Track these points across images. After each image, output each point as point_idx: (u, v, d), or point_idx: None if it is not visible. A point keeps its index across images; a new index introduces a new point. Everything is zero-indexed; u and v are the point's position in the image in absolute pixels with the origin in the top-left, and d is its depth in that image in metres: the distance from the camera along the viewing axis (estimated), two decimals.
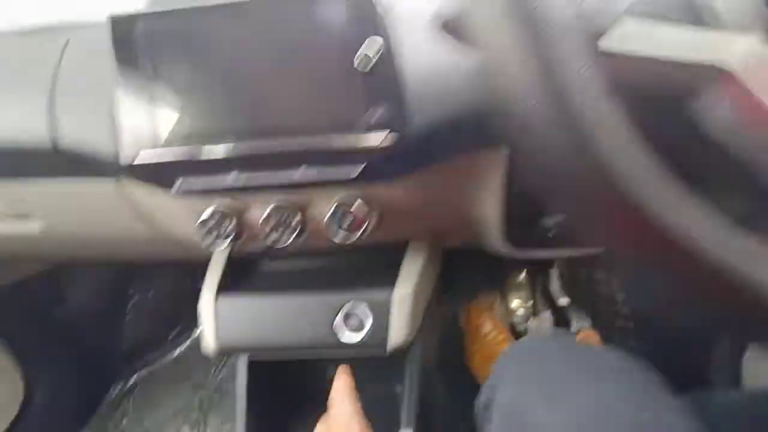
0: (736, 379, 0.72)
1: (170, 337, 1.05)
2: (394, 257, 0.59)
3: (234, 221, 0.45)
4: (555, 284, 0.94)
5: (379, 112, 0.39)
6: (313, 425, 0.48)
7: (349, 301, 0.52)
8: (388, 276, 0.55)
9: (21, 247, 0.65)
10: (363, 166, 0.41)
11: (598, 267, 0.92)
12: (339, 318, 0.52)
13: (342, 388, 0.46)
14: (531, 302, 0.99)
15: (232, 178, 0.41)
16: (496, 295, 0.98)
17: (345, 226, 0.45)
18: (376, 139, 0.39)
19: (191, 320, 1.08)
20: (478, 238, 0.64)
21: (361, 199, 0.45)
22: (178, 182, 0.41)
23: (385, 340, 0.51)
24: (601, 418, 0.30)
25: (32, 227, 0.57)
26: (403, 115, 0.39)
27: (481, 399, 0.40)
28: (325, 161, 0.41)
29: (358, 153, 0.40)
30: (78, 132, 0.43)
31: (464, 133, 0.41)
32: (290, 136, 0.40)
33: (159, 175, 0.41)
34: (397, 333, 0.51)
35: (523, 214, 0.52)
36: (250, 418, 0.61)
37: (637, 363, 0.34)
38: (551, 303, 0.97)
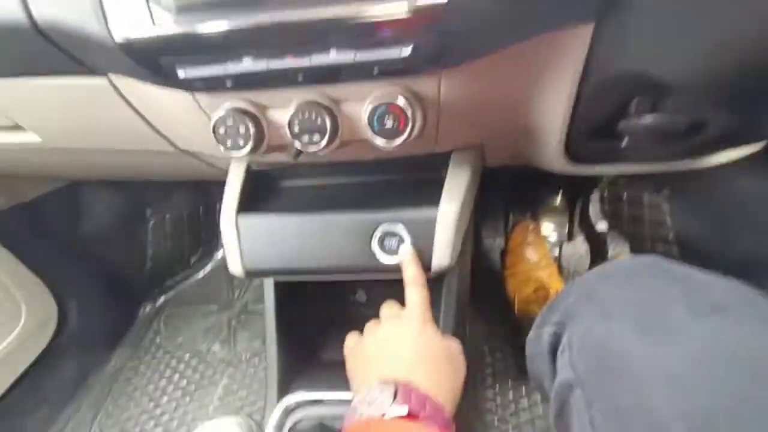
0: None
1: (193, 260, 1.05)
2: (433, 174, 0.52)
3: (253, 122, 0.38)
4: (595, 207, 0.88)
5: None
6: (341, 342, 0.46)
7: (386, 221, 0.47)
8: (428, 194, 0.48)
9: (25, 159, 0.60)
10: (411, 47, 0.32)
11: (645, 188, 0.84)
12: (376, 238, 0.47)
13: (413, 279, 0.44)
14: (566, 228, 0.93)
15: (245, 65, 0.32)
16: (529, 220, 0.93)
17: (385, 128, 0.37)
18: (427, 6, 0.30)
19: (212, 242, 1.07)
20: (527, 153, 0.56)
21: (405, 94, 0.36)
22: (180, 70, 0.33)
23: (428, 260, 0.46)
24: (722, 360, 0.24)
25: (32, 137, 0.51)
26: None
27: (551, 322, 0.36)
28: (361, 40, 0.32)
29: (404, 28, 0.31)
30: (55, 7, 0.34)
31: (542, 1, 0.31)
32: (314, 4, 0.30)
33: (156, 59, 0.33)
34: (442, 254, 0.46)
35: (593, 118, 0.43)
36: (280, 335, 0.61)
37: (758, 294, 0.28)
38: (586, 228, 0.91)
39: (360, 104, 0.38)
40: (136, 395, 0.85)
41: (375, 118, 0.36)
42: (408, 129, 0.37)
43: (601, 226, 0.87)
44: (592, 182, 0.85)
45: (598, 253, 0.88)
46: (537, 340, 0.37)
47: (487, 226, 0.96)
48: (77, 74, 0.41)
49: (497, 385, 0.76)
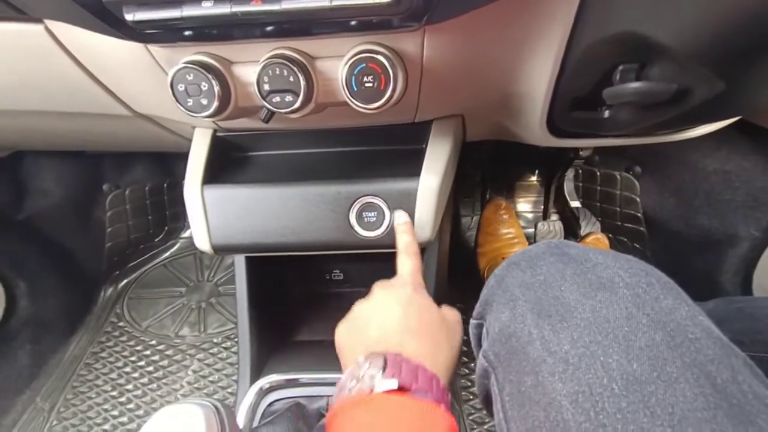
0: (745, 286, 0.71)
1: (157, 239, 0.99)
2: (413, 146, 0.49)
3: (218, 79, 0.34)
4: (570, 186, 0.89)
5: None
6: (318, 322, 0.44)
7: (365, 194, 0.44)
8: (408, 166, 0.46)
9: None
10: None
11: (618, 167, 0.85)
12: (354, 211, 0.44)
13: (407, 247, 0.41)
14: (541, 206, 0.94)
15: (204, 8, 0.28)
16: (503, 197, 0.93)
17: (364, 88, 0.34)
18: None
19: (179, 220, 1.01)
20: (509, 126, 0.55)
21: (386, 52, 0.34)
22: (128, 12, 0.28)
23: None
24: (602, 338, 0.25)
25: None
26: None
27: (474, 315, 0.36)
28: None
29: None
30: None
31: None
32: None
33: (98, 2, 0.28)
34: (422, 227, 0.44)
35: (578, 86, 0.42)
36: (252, 315, 0.58)
37: (647, 268, 0.29)
38: (561, 206, 0.93)
39: (337, 62, 0.35)
40: (98, 383, 0.80)
41: (353, 76, 0.34)
42: (389, 90, 0.34)
43: (575, 203, 0.88)
44: (567, 162, 0.86)
45: (571, 231, 0.90)
46: (470, 332, 0.37)
47: (465, 204, 0.95)
48: (6, 19, 0.35)
49: (472, 363, 0.77)
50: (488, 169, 0.96)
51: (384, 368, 0.29)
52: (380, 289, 0.38)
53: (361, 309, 0.38)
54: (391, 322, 0.34)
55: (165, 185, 0.97)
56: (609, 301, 0.26)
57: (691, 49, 0.29)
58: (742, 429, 0.20)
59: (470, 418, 0.71)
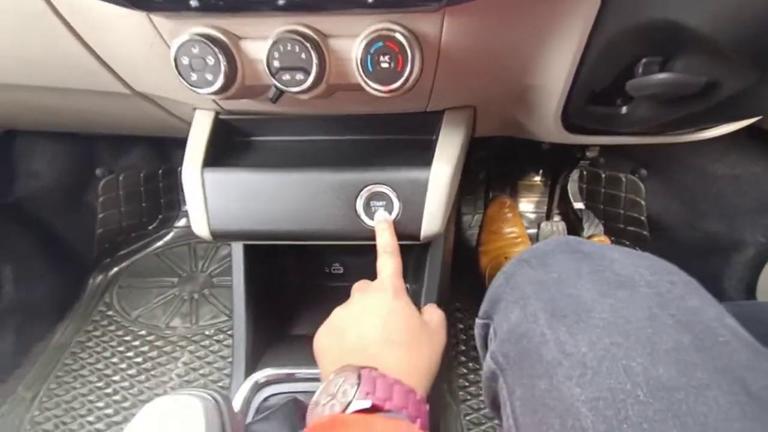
0: (749, 292, 0.70)
1: (151, 227, 0.96)
2: (422, 137, 0.48)
3: (224, 53, 0.32)
4: (574, 187, 0.88)
5: None
6: (316, 316, 0.42)
7: (373, 182, 0.42)
8: (418, 155, 0.45)
9: None
10: None
11: (623, 169, 0.84)
12: (361, 200, 0.42)
13: (387, 247, 0.40)
14: (545, 206, 0.93)
15: None
16: (506, 197, 0.92)
17: (380, 69, 0.32)
18: None
19: (174, 208, 0.99)
20: (521, 120, 0.53)
21: (404, 32, 0.32)
22: None
23: (418, 226, 0.42)
24: (622, 340, 0.23)
25: None
26: None
27: (480, 315, 0.34)
28: None
29: None
30: None
31: None
32: None
33: None
34: (433, 219, 0.42)
35: (597, 79, 0.41)
36: (249, 306, 0.56)
37: (667, 266, 0.27)
38: (564, 206, 0.92)
39: (351, 41, 0.33)
40: (83, 373, 0.77)
41: (369, 56, 0.32)
42: (407, 71, 0.32)
43: (579, 205, 0.88)
44: (572, 162, 0.85)
45: (574, 232, 0.89)
46: (475, 332, 0.35)
47: (467, 202, 0.94)
48: None
49: (470, 362, 0.75)
50: (493, 167, 0.95)
51: (358, 385, 0.28)
52: (360, 295, 0.37)
53: (340, 315, 0.36)
54: (369, 332, 0.33)
55: (160, 172, 0.95)
56: (629, 300, 0.25)
57: (728, 36, 0.28)
58: None
59: (467, 418, 0.70)
